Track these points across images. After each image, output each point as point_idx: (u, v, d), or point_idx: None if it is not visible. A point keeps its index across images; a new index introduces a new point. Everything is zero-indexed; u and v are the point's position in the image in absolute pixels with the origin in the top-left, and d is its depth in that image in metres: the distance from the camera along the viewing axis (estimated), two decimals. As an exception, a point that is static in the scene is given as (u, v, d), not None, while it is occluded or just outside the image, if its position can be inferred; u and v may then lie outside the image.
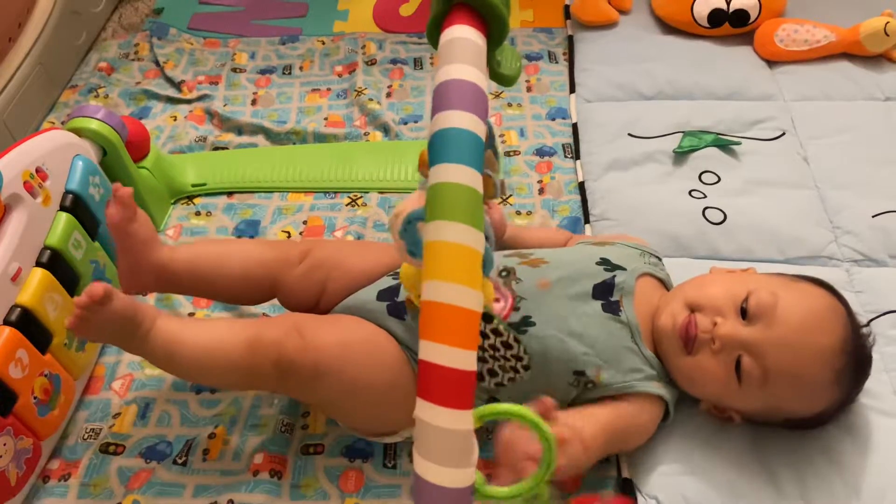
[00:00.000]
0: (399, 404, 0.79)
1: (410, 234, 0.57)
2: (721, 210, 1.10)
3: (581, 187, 1.17)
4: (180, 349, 0.77)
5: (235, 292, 0.91)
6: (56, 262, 0.87)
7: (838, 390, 0.79)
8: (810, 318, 0.78)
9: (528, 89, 1.38)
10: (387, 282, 0.87)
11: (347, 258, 0.89)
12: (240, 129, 1.32)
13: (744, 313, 0.79)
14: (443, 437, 0.44)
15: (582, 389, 0.81)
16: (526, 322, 0.81)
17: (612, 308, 0.82)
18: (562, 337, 0.80)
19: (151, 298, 1.04)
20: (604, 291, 0.83)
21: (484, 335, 0.80)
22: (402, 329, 0.83)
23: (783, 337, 0.77)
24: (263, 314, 1.01)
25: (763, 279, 0.84)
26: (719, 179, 1.15)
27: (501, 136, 1.29)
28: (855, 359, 0.79)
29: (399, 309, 0.83)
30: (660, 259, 0.93)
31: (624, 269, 0.85)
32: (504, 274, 0.84)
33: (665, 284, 0.90)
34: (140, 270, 0.87)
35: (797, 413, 0.81)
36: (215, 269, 0.89)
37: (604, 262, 0.86)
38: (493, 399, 0.84)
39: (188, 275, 0.88)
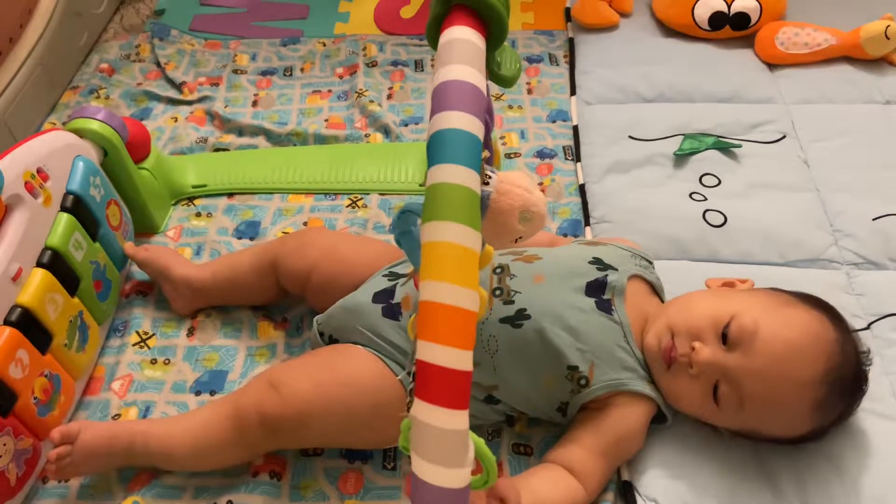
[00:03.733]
0: (392, 418, 0.79)
1: (402, 222, 0.59)
2: (721, 213, 1.10)
3: (581, 189, 1.17)
4: (178, 453, 0.82)
5: (252, 285, 0.99)
6: (57, 263, 0.87)
7: (821, 416, 0.79)
8: (790, 350, 0.76)
9: (529, 91, 1.38)
10: (382, 283, 0.88)
11: (339, 242, 0.96)
12: (240, 131, 1.32)
13: (725, 338, 0.79)
14: (439, 436, 0.44)
15: (576, 385, 0.81)
16: (521, 315, 0.81)
17: (605, 306, 0.83)
18: (557, 331, 0.81)
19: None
20: (596, 289, 0.84)
21: None
22: (395, 331, 0.83)
23: (760, 368, 0.76)
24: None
25: (751, 301, 0.82)
26: (720, 182, 1.15)
27: (502, 137, 1.29)
28: (840, 386, 0.78)
29: (394, 311, 0.84)
30: (650, 262, 0.93)
31: (616, 269, 0.86)
32: (498, 270, 0.85)
33: (655, 288, 0.90)
34: (178, 290, 1.00)
35: (779, 436, 0.81)
36: (230, 269, 0.99)
37: (596, 262, 0.87)
38: (490, 397, 0.84)
39: (213, 283, 0.99)
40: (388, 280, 0.88)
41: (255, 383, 0.84)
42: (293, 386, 0.80)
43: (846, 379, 0.78)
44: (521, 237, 0.64)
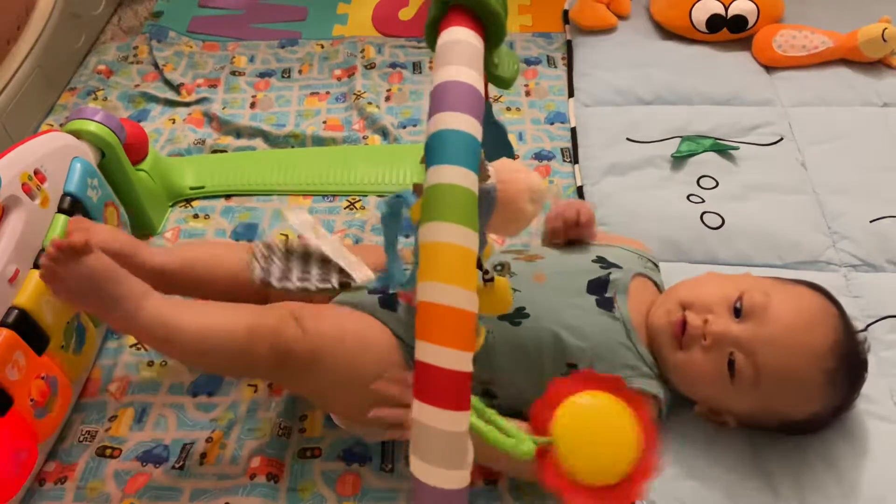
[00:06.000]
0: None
1: (393, 206, 0.60)
2: (719, 215, 1.10)
3: (579, 191, 1.17)
4: (178, 333, 0.76)
5: (225, 291, 0.90)
6: (53, 264, 0.87)
7: (831, 392, 0.79)
8: (801, 317, 0.78)
9: (527, 94, 1.38)
10: None
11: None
12: (238, 132, 1.32)
13: (737, 312, 0.80)
14: (439, 438, 0.44)
15: None
16: (520, 314, 0.81)
17: (606, 304, 0.83)
18: (556, 330, 0.80)
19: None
20: (598, 287, 0.84)
21: None
22: (393, 320, 0.83)
23: (774, 335, 0.77)
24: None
25: (757, 280, 0.84)
26: (717, 184, 1.15)
27: (500, 140, 1.29)
28: (848, 362, 0.79)
29: (390, 301, 0.84)
30: (656, 265, 0.93)
31: (620, 267, 0.86)
32: (498, 268, 0.85)
33: (660, 288, 0.90)
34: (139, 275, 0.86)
35: (791, 415, 0.81)
36: (209, 270, 0.90)
37: (600, 261, 0.87)
38: (486, 392, 0.84)
39: (184, 276, 0.90)
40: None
41: (278, 308, 0.80)
42: (315, 323, 0.78)
43: (853, 354, 0.80)
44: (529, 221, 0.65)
